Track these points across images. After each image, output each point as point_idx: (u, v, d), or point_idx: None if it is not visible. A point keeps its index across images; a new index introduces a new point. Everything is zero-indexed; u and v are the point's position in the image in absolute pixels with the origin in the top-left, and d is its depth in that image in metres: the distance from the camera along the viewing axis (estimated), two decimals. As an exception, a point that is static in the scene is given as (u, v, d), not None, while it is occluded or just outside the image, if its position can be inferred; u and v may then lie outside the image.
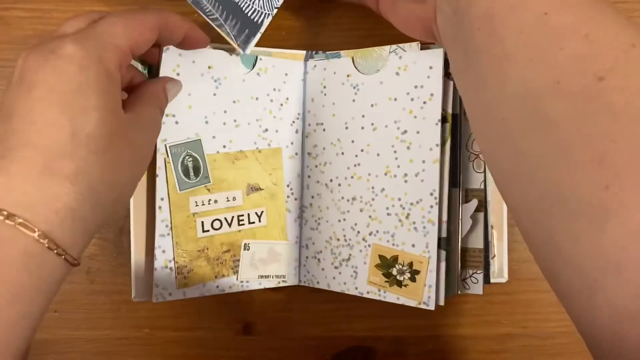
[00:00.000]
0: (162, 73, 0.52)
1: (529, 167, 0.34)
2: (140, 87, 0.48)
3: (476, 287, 0.53)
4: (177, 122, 0.54)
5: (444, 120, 0.50)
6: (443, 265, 0.51)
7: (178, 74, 0.53)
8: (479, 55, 0.38)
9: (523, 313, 0.60)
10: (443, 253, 0.51)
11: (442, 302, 0.51)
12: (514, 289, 0.60)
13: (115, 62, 0.40)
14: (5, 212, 0.34)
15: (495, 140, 0.37)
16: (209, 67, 0.54)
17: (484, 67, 0.37)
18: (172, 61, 0.53)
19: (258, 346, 0.62)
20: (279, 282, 0.58)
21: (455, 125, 0.51)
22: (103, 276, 0.61)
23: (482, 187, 0.53)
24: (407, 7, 0.47)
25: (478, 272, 0.53)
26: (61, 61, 0.38)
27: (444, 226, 0.51)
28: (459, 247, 0.52)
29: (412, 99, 0.51)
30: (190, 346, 0.62)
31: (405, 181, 0.51)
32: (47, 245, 0.36)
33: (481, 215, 0.53)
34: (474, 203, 0.53)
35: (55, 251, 0.36)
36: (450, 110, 0.51)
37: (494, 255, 0.55)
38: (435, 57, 0.50)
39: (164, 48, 0.52)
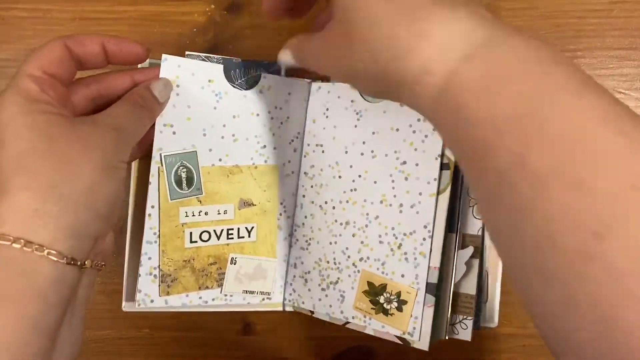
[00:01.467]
0: None
1: (538, 312, 0.32)
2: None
3: (465, 333, 0.53)
4: (174, 133, 0.54)
5: (445, 167, 0.51)
6: (430, 310, 0.51)
7: (178, 86, 0.53)
8: (474, 195, 0.37)
9: (523, 313, 0.61)
10: (432, 298, 0.51)
11: (426, 348, 0.51)
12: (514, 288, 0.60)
13: (31, 86, 0.43)
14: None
15: (510, 276, 0.35)
16: (210, 81, 0.55)
17: (479, 208, 0.36)
18: (170, 73, 0.53)
19: (258, 346, 0.62)
20: (263, 299, 0.57)
21: (456, 172, 0.51)
22: (103, 276, 0.61)
23: (480, 233, 0.53)
24: None
25: (468, 318, 0.53)
26: None
27: (436, 272, 0.51)
28: (451, 293, 0.52)
29: (414, 131, 0.52)
30: (190, 346, 0.62)
31: (400, 211, 0.52)
32: (22, 245, 0.38)
33: (476, 261, 0.53)
34: (469, 250, 0.53)
35: (35, 250, 0.38)
36: (453, 158, 0.51)
37: (487, 300, 0.55)
38: None
39: (162, 58, 0.53)
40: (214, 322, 0.62)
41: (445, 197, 0.51)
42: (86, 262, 0.42)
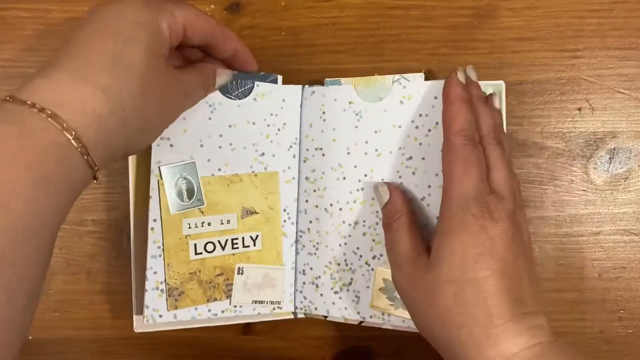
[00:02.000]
0: None
1: None
2: (194, 63, 0.53)
3: None
4: (171, 145, 0.54)
5: None
6: None
7: None
8: None
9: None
10: None
11: None
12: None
13: (167, 25, 0.45)
14: (38, 106, 0.37)
15: None
16: None
17: None
18: None
19: (258, 346, 0.61)
20: (273, 308, 0.57)
21: None
22: (103, 276, 0.60)
23: None
24: None
25: None
26: (123, 5, 0.43)
27: None
28: None
29: (416, 127, 0.52)
30: (190, 346, 0.61)
31: None
32: (72, 139, 0.38)
33: None
34: None
35: (79, 149, 0.38)
36: None
37: None
38: (439, 87, 0.51)
39: None
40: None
41: None
42: (97, 175, 0.41)
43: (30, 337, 0.60)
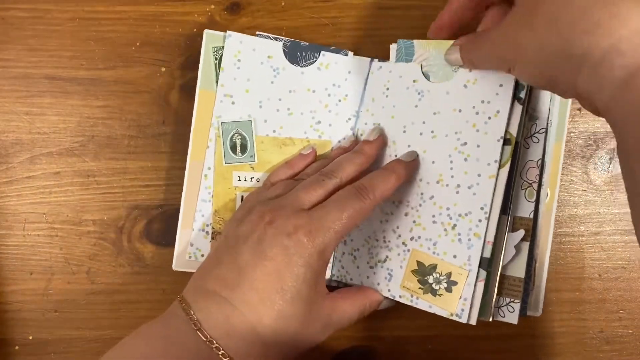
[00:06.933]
0: (224, 58, 0.56)
1: None
2: (359, 290, 0.54)
3: (511, 316, 0.53)
4: (233, 103, 0.57)
5: (507, 142, 0.50)
6: (481, 285, 0.50)
7: (239, 60, 0.56)
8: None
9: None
10: (484, 273, 0.50)
11: (474, 322, 0.51)
12: (513, 289, 0.60)
13: (332, 250, 0.49)
14: (215, 345, 0.45)
15: None
16: (269, 57, 0.57)
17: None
18: (234, 47, 0.56)
19: None
20: (309, 272, 0.57)
21: (515, 150, 0.51)
22: (103, 276, 0.61)
23: (531, 216, 0.52)
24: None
25: (515, 301, 0.52)
26: (293, 249, 0.46)
27: (489, 247, 0.50)
28: (498, 274, 0.52)
29: (477, 113, 0.51)
30: None
31: (457, 192, 0.51)
32: None
33: (524, 244, 0.52)
34: (520, 233, 0.52)
35: None
36: (515, 134, 0.50)
37: (533, 287, 0.55)
38: (506, 75, 0.50)
39: (227, 34, 0.56)
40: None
41: (505, 172, 0.50)
42: None
43: (30, 337, 0.61)
